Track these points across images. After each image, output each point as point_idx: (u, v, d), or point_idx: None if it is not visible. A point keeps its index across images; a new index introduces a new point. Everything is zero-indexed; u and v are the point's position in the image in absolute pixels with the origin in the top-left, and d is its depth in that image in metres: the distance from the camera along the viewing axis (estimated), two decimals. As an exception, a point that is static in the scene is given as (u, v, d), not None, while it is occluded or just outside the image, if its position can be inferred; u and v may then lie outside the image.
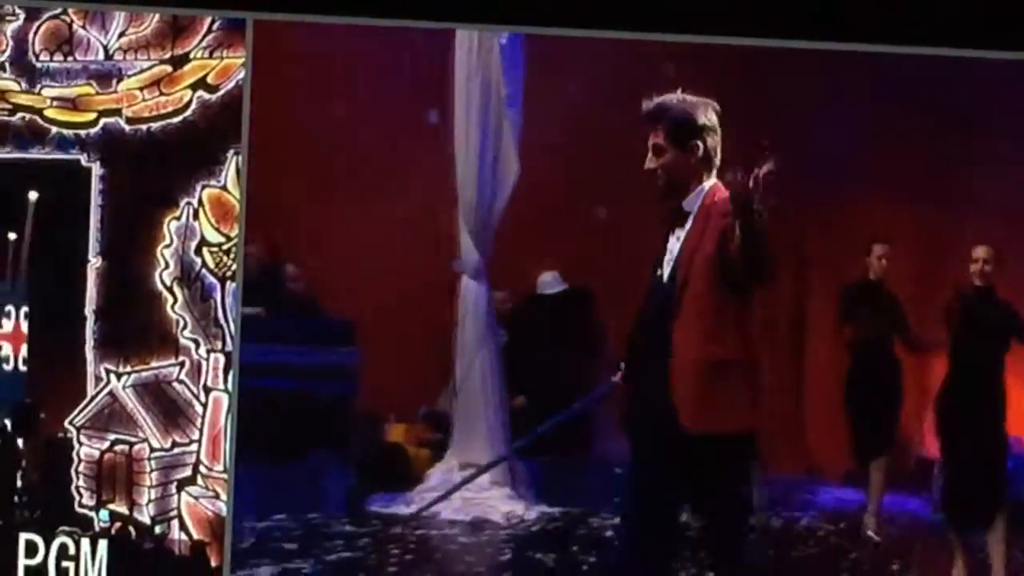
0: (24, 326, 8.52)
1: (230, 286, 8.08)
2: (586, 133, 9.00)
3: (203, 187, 8.11)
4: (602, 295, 9.29)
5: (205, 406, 8.10)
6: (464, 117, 8.91)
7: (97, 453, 8.22)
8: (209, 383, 8.10)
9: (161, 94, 8.20)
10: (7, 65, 8.36)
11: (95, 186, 8.30)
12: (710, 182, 5.37)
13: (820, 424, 9.45)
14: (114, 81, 8.28)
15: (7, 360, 8.50)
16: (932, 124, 9.02)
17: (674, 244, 5.40)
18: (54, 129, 8.35)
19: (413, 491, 8.89)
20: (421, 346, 9.17)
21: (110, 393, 8.22)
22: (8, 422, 8.37)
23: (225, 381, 8.03)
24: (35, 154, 8.37)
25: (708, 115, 5.35)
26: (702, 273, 5.24)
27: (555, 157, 8.92)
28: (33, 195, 8.44)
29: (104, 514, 8.13)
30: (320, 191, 8.96)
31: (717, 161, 5.38)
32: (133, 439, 8.20)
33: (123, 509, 8.18)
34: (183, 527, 8.12)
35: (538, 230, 9.08)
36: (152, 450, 8.17)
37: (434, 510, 8.60)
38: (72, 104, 8.31)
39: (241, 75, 8.00)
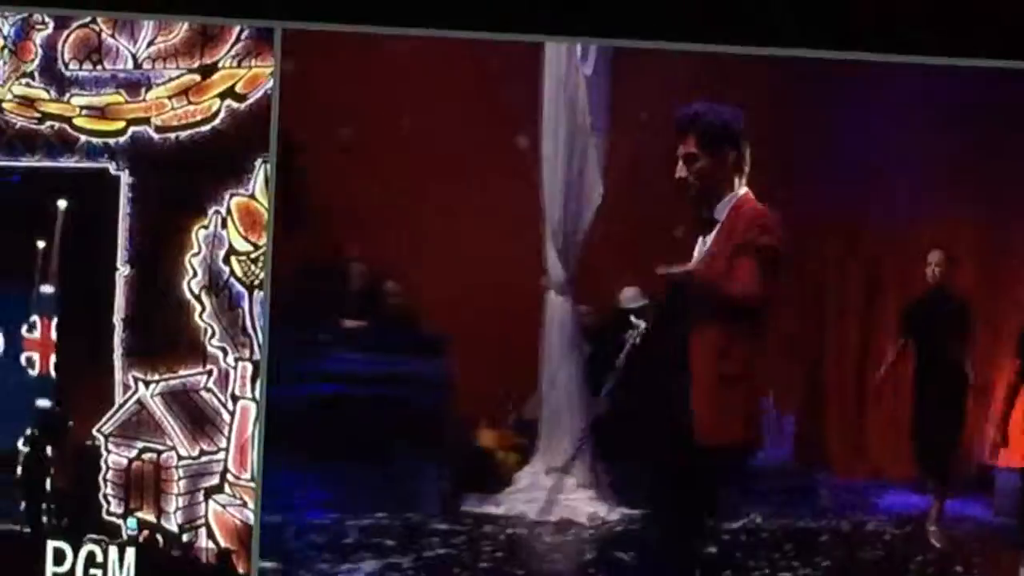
0: (53, 334, 8.55)
1: (258, 295, 8.09)
2: (665, 157, 9.17)
3: (231, 196, 8.12)
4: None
5: (233, 414, 8.11)
6: (551, 143, 9.37)
7: (125, 461, 8.24)
8: (237, 391, 8.11)
9: (190, 103, 8.22)
10: (37, 74, 8.39)
11: (124, 194, 8.32)
12: (742, 190, 5.39)
13: (885, 429, 9.58)
14: (143, 90, 8.30)
15: (33, 365, 8.54)
16: (992, 133, 9.07)
17: (700, 251, 5.42)
18: (83, 138, 8.37)
19: (502, 492, 9.27)
20: (510, 357, 9.52)
21: (138, 401, 8.24)
22: (37, 430, 8.41)
23: (253, 390, 8.04)
24: (64, 163, 8.40)
25: (739, 122, 5.38)
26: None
27: (636, 180, 9.15)
28: (62, 203, 8.47)
29: (132, 522, 8.15)
30: (418, 212, 9.32)
31: (747, 168, 5.41)
32: (161, 447, 8.21)
33: (151, 517, 8.20)
34: (210, 535, 8.13)
35: (620, 248, 9.38)
36: (180, 458, 8.18)
37: (522, 511, 9.03)
38: (101, 113, 8.33)
39: (269, 84, 8.01)
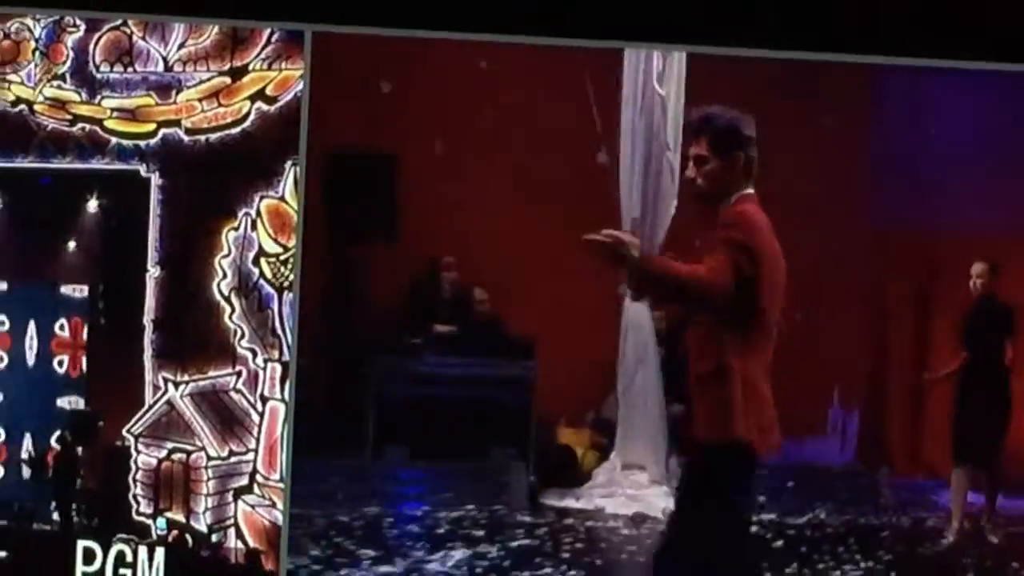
0: (84, 335, 8.60)
1: (287, 296, 8.12)
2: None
3: (261, 198, 8.15)
4: None
5: (262, 415, 8.15)
6: (629, 159, 9.80)
7: (155, 461, 8.28)
8: (266, 393, 8.14)
9: (220, 105, 8.25)
10: (68, 76, 8.44)
11: (154, 196, 8.36)
12: (747, 190, 5.50)
13: (942, 430, 9.77)
14: (173, 92, 8.33)
15: (63, 366, 8.59)
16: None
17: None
18: (114, 140, 8.41)
19: (582, 488, 9.73)
20: (589, 360, 9.98)
21: (168, 402, 8.28)
22: (68, 430, 8.45)
23: (282, 391, 8.07)
24: (95, 165, 8.44)
25: (749, 127, 5.50)
26: None
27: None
28: (93, 205, 8.52)
29: (161, 522, 8.18)
30: (504, 225, 9.69)
31: (755, 171, 5.52)
32: (190, 448, 8.25)
33: (180, 517, 8.23)
34: (239, 536, 8.16)
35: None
36: (209, 459, 8.22)
37: (600, 505, 9.49)
38: (132, 115, 8.37)
39: (299, 87, 8.03)
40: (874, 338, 10.17)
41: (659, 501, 9.09)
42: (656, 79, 9.53)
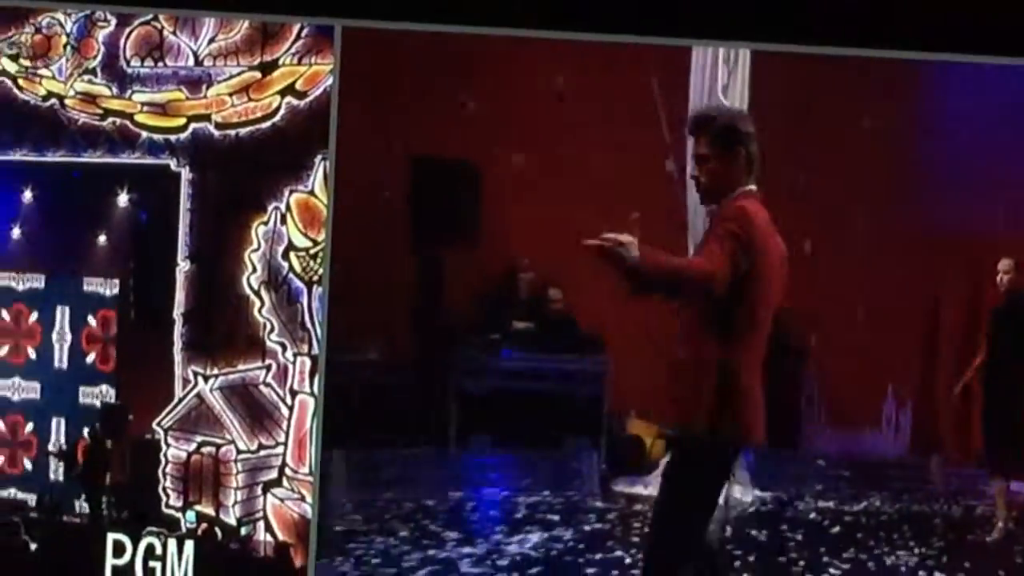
0: (114, 329, 8.64)
1: (316, 290, 8.14)
2: (799, 177, 9.78)
3: (291, 192, 8.17)
4: (801, 311, 10.20)
5: (291, 409, 8.17)
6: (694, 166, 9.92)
7: (184, 455, 8.31)
8: (295, 386, 8.16)
9: (250, 100, 8.28)
10: (99, 70, 8.47)
11: (184, 191, 8.39)
12: (749, 187, 5.58)
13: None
14: (204, 87, 8.36)
15: (94, 360, 8.64)
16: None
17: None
18: (144, 134, 8.44)
19: (650, 475, 9.82)
20: (657, 356, 10.27)
21: (198, 395, 8.31)
22: (98, 424, 8.48)
23: (311, 384, 8.09)
24: (125, 159, 8.47)
25: (747, 124, 5.61)
26: None
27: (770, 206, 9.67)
28: (123, 199, 8.55)
29: (191, 515, 8.21)
30: (578, 227, 9.93)
31: (756, 167, 5.61)
32: (220, 441, 8.28)
33: (209, 510, 8.26)
34: (268, 529, 8.19)
35: None
36: (238, 452, 8.25)
37: None
38: (162, 109, 8.40)
39: (329, 81, 8.05)
40: (925, 336, 10.34)
41: (724, 489, 9.49)
42: (721, 91, 9.73)
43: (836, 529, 8.79)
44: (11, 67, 8.46)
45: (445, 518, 8.61)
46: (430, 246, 9.54)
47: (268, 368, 8.20)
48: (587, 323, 10.22)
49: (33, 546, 8.21)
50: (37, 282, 8.63)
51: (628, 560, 8.02)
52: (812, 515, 9.13)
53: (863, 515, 9.14)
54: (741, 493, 9.66)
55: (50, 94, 8.48)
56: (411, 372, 9.48)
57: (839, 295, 8.64)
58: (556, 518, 8.95)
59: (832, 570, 8.00)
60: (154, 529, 8.03)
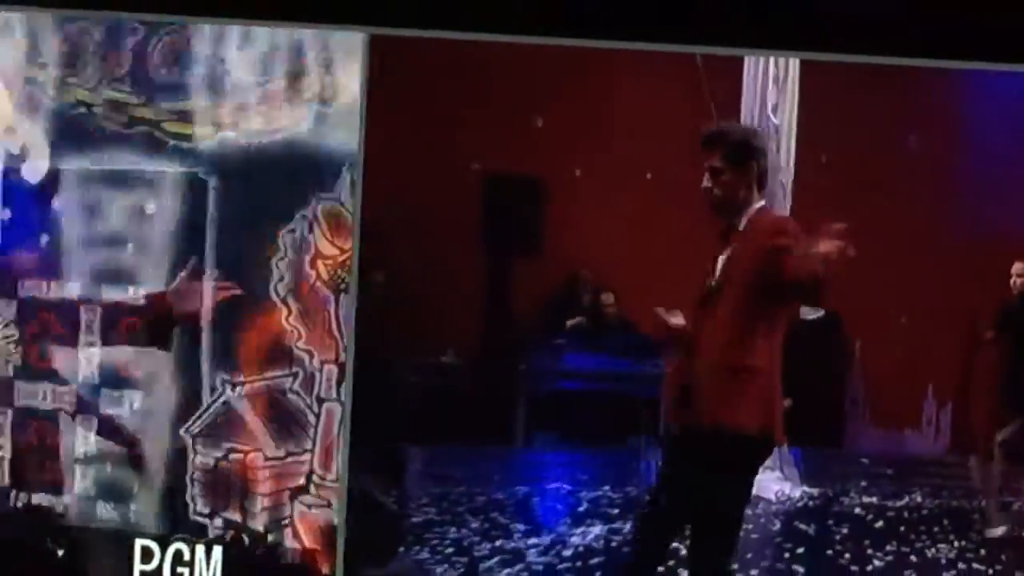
0: (139, 336, 8.67)
1: (344, 298, 8.18)
2: (846, 194, 9.90)
3: (318, 201, 8.20)
4: (848, 317, 10.32)
5: (318, 416, 8.21)
6: None
7: (212, 462, 8.35)
8: (322, 394, 8.20)
9: (277, 108, 8.30)
10: (126, 78, 8.50)
11: (211, 199, 8.42)
12: (760, 202, 5.67)
13: None
14: (231, 95, 8.38)
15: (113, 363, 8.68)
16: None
17: (723, 258, 5.71)
18: (171, 142, 8.47)
19: None
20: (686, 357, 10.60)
21: (225, 402, 8.34)
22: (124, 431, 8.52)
23: (338, 392, 8.13)
24: (152, 167, 8.50)
25: (759, 139, 5.73)
26: (738, 284, 5.55)
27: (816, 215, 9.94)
28: (150, 207, 8.58)
29: (218, 522, 8.25)
30: (633, 235, 10.08)
31: (767, 181, 5.73)
32: (247, 448, 8.31)
33: (236, 517, 8.30)
34: (295, 536, 8.23)
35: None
36: (266, 459, 8.28)
37: None
38: (189, 117, 8.43)
39: (357, 90, 8.08)
40: (964, 339, 10.46)
41: (772, 484, 9.52)
42: (771, 110, 9.86)
43: (879, 524, 8.97)
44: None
45: (513, 511, 8.83)
46: (497, 258, 9.71)
47: (295, 376, 8.24)
48: (642, 326, 10.02)
49: (60, 552, 8.26)
50: (65, 290, 8.65)
51: (683, 552, 8.29)
52: (857, 510, 9.35)
53: (905, 510, 9.24)
54: (790, 489, 9.81)
55: (78, 102, 8.51)
56: (482, 375, 9.65)
57: (883, 302, 8.79)
58: (616, 512, 9.18)
59: (876, 562, 8.36)
60: (182, 535, 8.07)
